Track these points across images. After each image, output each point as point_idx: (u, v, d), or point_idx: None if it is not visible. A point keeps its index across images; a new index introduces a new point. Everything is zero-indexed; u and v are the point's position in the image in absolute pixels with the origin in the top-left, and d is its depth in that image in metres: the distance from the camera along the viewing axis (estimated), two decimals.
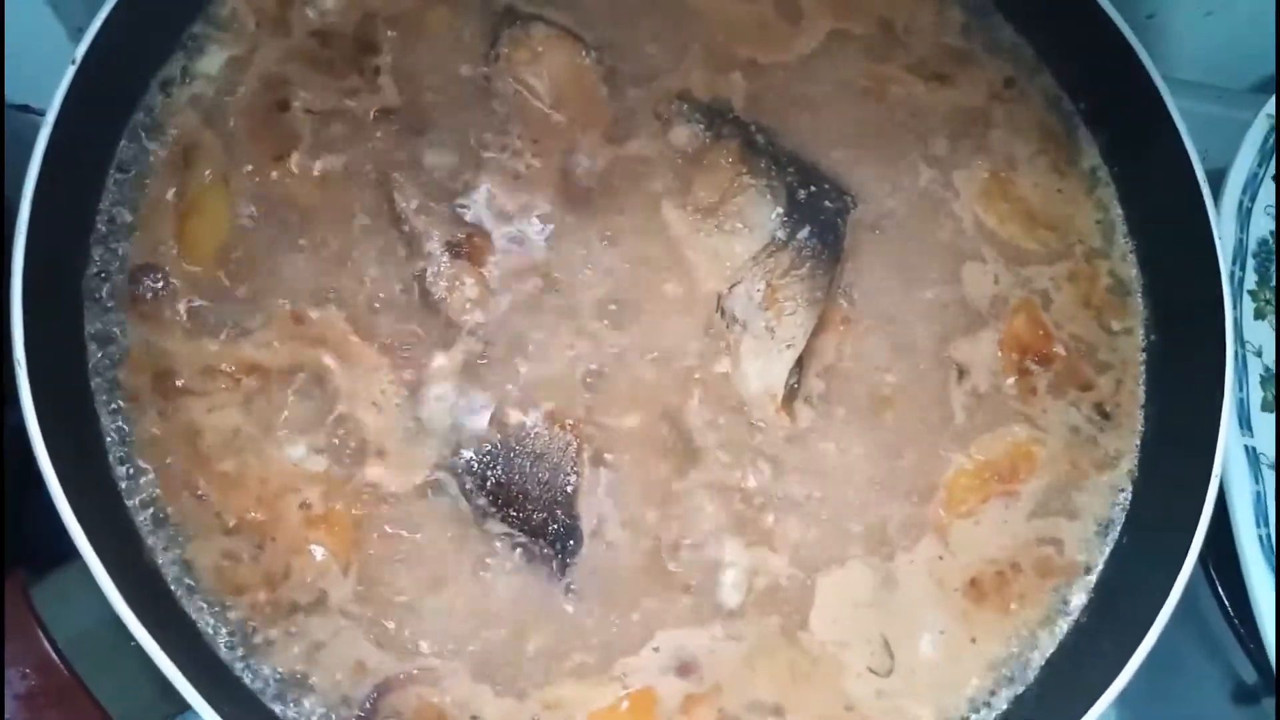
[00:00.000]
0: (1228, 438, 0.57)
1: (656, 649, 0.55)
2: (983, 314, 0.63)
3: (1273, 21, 0.82)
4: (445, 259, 0.59)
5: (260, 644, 0.52)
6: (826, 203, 0.63)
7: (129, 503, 0.53)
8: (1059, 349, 0.63)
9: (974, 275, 0.64)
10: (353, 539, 0.54)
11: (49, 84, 0.55)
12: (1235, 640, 0.66)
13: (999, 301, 0.63)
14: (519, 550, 0.55)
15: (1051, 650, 0.59)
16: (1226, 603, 0.65)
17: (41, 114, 0.68)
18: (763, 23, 0.66)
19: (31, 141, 0.53)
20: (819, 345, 0.61)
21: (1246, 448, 0.60)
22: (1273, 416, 0.62)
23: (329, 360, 0.57)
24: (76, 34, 0.72)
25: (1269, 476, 0.60)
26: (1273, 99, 0.70)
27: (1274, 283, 0.64)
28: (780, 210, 0.62)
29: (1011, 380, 0.62)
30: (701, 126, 0.63)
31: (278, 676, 0.52)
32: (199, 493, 0.54)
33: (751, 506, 0.58)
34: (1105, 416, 0.63)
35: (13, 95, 0.71)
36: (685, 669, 0.55)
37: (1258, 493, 0.59)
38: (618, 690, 0.54)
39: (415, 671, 0.53)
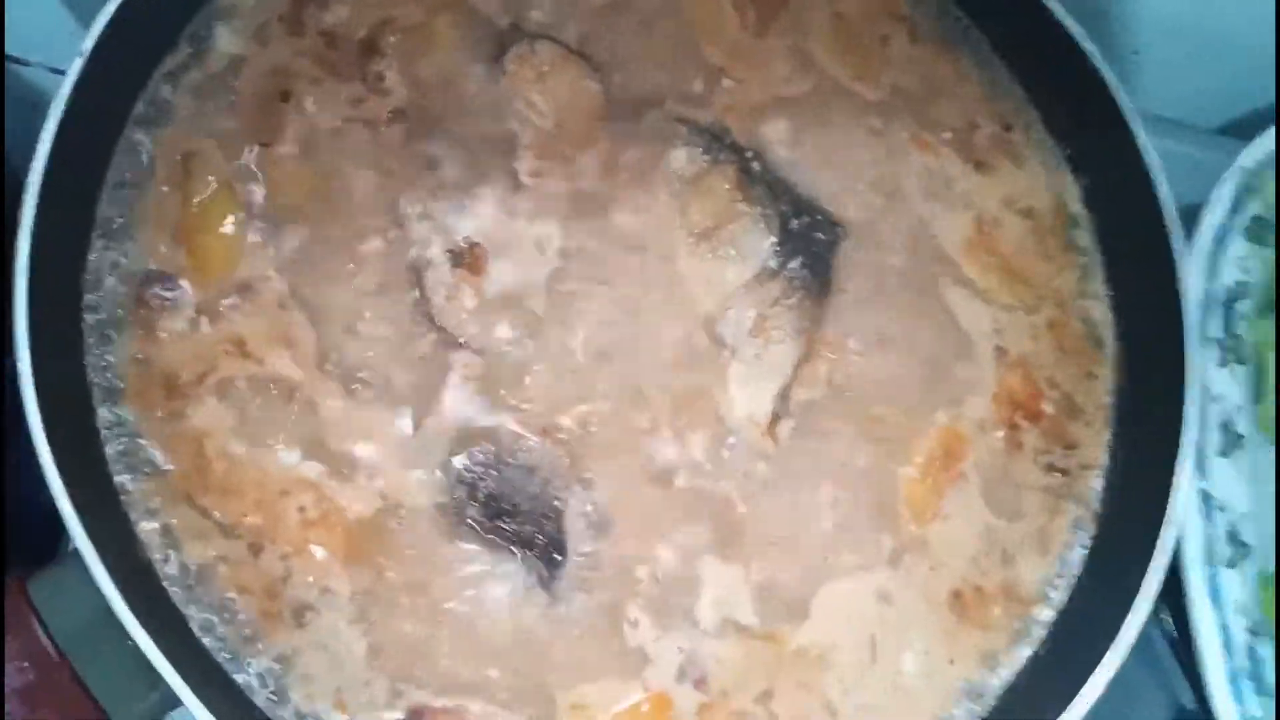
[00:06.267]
0: (1186, 482, 0.60)
1: (652, 661, 0.57)
2: (971, 360, 0.64)
3: (1249, 67, 0.85)
4: (445, 268, 0.60)
5: (256, 643, 0.53)
6: (819, 234, 0.64)
7: (126, 499, 0.54)
8: (1048, 407, 0.65)
9: (962, 321, 0.65)
10: (349, 545, 0.55)
11: (41, 36, 0.54)
12: (1178, 666, 0.69)
13: (984, 352, 0.65)
14: (508, 562, 0.57)
15: (1011, 677, 0.61)
16: (1174, 630, 0.68)
17: (26, 64, 0.68)
18: (768, 58, 0.67)
19: (23, 95, 0.53)
20: (804, 373, 0.62)
21: (1201, 490, 0.63)
22: (1227, 462, 0.65)
23: (316, 368, 0.58)
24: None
25: (1219, 519, 0.63)
26: (1245, 151, 0.72)
27: (1238, 332, 0.67)
28: (774, 239, 0.63)
29: (1001, 434, 0.64)
30: (700, 150, 0.64)
31: (271, 676, 0.53)
32: (197, 494, 0.55)
33: (733, 526, 0.60)
34: (1065, 474, 0.64)
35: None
36: (697, 682, 0.57)
37: (1208, 535, 0.62)
38: (638, 692, 0.56)
39: (429, 691, 0.55)
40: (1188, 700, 0.70)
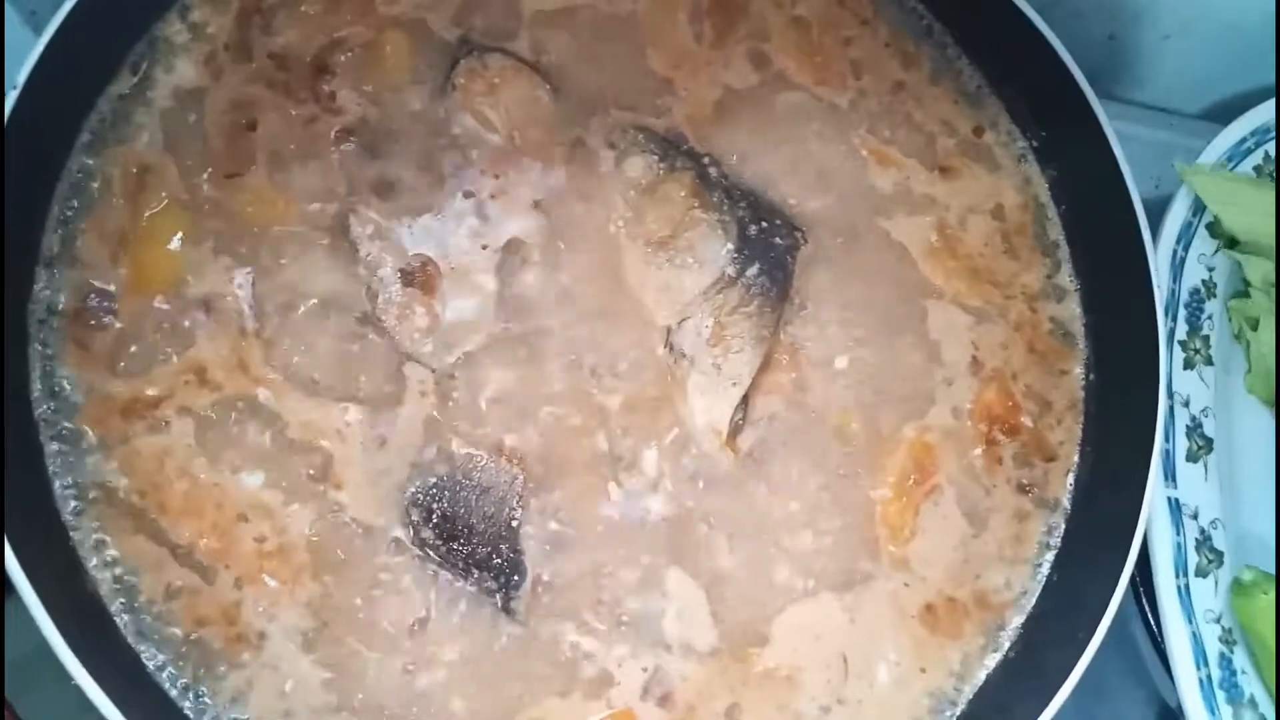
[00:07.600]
0: (1155, 489, 0.59)
1: (615, 680, 0.56)
2: (940, 365, 0.64)
3: (1227, 50, 0.83)
4: (397, 286, 0.59)
5: (208, 674, 0.53)
6: (777, 239, 0.63)
7: (75, 534, 0.53)
8: (1025, 420, 0.63)
9: (930, 328, 0.64)
10: (303, 570, 0.55)
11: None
12: (1161, 664, 0.68)
13: (955, 359, 0.64)
14: (464, 584, 0.56)
15: (981, 681, 0.60)
16: (1155, 628, 0.67)
17: None
18: (726, 63, 0.66)
19: None
20: (765, 381, 0.62)
21: (1169, 499, 0.62)
22: (1196, 467, 0.63)
23: (274, 390, 0.57)
24: (30, 16, 0.71)
25: (1190, 527, 0.62)
26: (1205, 152, 0.70)
27: (1205, 332, 0.65)
28: (731, 246, 0.62)
29: (979, 450, 0.63)
30: (656, 158, 0.64)
31: (224, 705, 0.52)
32: (153, 516, 0.54)
33: (696, 542, 0.59)
34: (1037, 485, 0.63)
35: None
36: (663, 699, 0.57)
37: (1178, 544, 0.61)
38: (602, 710, 0.56)
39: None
40: (1171, 698, 0.69)
